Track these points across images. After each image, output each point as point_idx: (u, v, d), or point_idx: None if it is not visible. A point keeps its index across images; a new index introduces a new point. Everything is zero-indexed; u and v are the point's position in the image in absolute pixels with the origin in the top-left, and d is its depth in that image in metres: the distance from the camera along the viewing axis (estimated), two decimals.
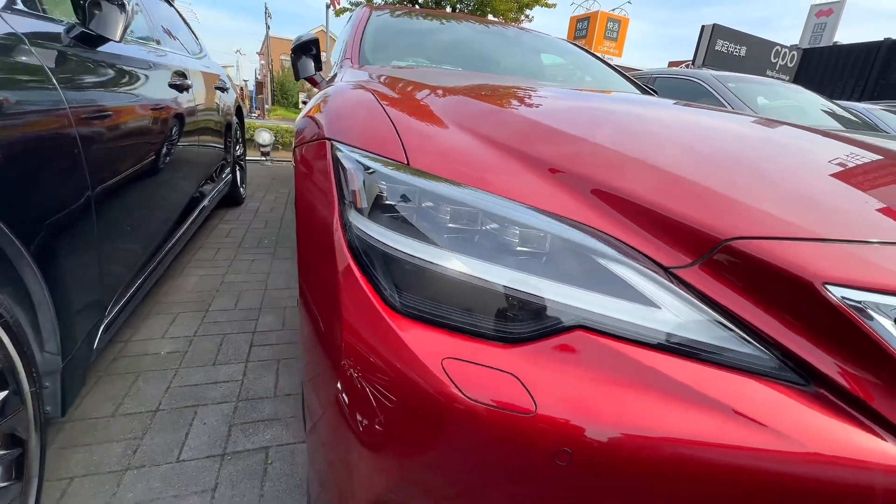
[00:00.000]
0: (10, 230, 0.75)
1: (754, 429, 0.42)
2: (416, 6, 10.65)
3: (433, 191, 0.58)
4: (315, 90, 1.96)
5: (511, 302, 0.50)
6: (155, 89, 1.62)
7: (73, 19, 1.12)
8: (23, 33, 0.90)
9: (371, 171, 0.63)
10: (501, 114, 0.86)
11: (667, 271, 0.51)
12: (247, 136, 4.38)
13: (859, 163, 0.84)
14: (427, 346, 0.49)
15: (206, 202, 2.37)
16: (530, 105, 1.06)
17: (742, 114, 1.46)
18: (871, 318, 0.43)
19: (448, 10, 10.65)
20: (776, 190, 0.61)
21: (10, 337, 0.73)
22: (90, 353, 1.05)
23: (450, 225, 0.56)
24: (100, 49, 1.20)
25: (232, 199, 3.27)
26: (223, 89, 2.99)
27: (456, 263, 0.52)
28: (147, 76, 1.55)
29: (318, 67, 1.90)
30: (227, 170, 3.03)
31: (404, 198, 0.60)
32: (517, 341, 0.48)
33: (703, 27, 9.20)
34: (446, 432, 0.47)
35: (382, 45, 1.94)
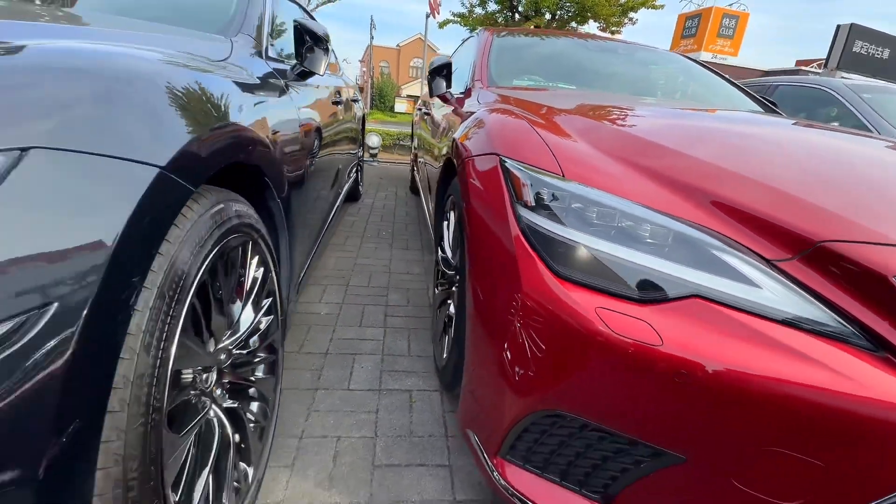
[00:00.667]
0: (281, 202, 1.13)
1: (826, 372, 0.60)
2: (516, 13, 10.87)
3: (584, 194, 0.82)
4: (439, 103, 2.29)
5: (643, 274, 0.72)
6: (331, 105, 2.06)
7: (294, 61, 1.54)
8: (274, 69, 1.32)
9: (536, 178, 0.88)
10: (629, 136, 1.07)
11: (769, 263, 0.69)
12: None
13: None
14: (582, 299, 0.73)
15: (342, 195, 2.84)
16: (650, 126, 1.24)
17: (841, 130, 1.50)
18: None
19: (547, 16, 10.70)
20: (860, 203, 0.75)
21: (277, 282, 1.11)
22: (293, 304, 1.46)
23: (595, 221, 0.80)
24: (308, 81, 1.63)
25: (353, 195, 3.78)
26: (355, 101, 3.50)
27: (600, 245, 0.76)
28: (328, 96, 1.99)
29: (449, 86, 2.22)
30: (355, 169, 3.53)
31: (557, 198, 0.85)
32: (648, 302, 0.70)
33: (838, 27, 8.19)
34: (596, 357, 0.70)
35: (504, 65, 2.21)
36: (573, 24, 10.93)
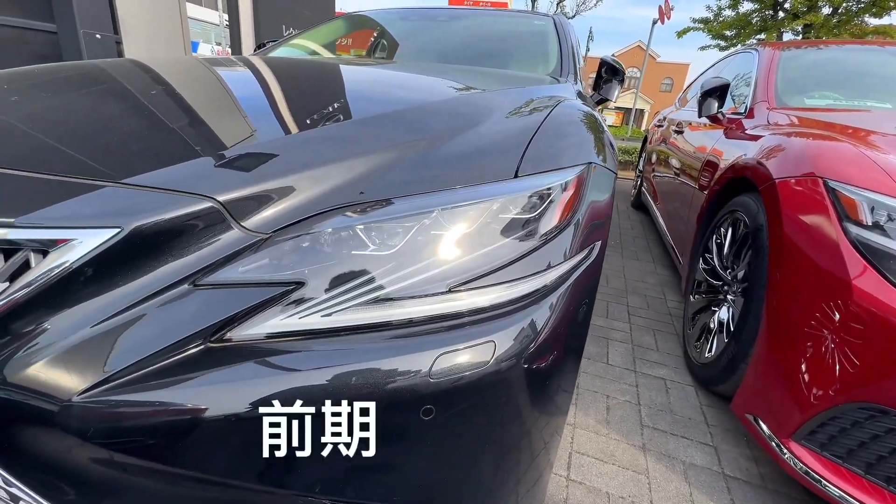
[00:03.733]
0: None
1: None
2: (780, 11, 9.25)
3: None
4: (697, 122, 2.33)
5: None
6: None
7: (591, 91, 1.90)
8: (592, 108, 1.68)
9: (871, 199, 0.98)
10: None
11: None
12: None
13: None
14: None
15: None
16: None
17: None
18: None
19: (825, 11, 8.77)
20: None
21: None
22: None
23: None
24: (601, 106, 1.97)
25: None
26: None
27: None
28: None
29: (721, 106, 2.26)
30: None
31: (893, 219, 0.93)
32: None
33: None
34: None
35: (792, 83, 2.13)
36: (865, 17, 8.67)
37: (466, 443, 0.55)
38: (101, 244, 0.47)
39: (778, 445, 1.05)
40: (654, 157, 3.80)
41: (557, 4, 16.38)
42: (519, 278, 0.59)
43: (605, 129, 1.11)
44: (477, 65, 1.80)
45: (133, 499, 0.47)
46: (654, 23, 19.07)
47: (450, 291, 0.55)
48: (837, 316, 0.94)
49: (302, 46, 2.25)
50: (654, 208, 3.45)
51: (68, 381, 0.43)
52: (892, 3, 8.45)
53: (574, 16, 16.58)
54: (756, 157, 1.46)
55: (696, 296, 1.81)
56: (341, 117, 0.83)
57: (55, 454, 0.45)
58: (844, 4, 8.64)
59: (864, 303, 0.90)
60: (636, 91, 22.69)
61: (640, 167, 4.69)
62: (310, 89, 1.15)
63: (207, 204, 0.51)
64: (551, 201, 0.67)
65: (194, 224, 0.51)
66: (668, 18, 18.79)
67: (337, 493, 0.51)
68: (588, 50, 26.33)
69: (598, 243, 0.75)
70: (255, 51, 2.43)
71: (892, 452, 0.88)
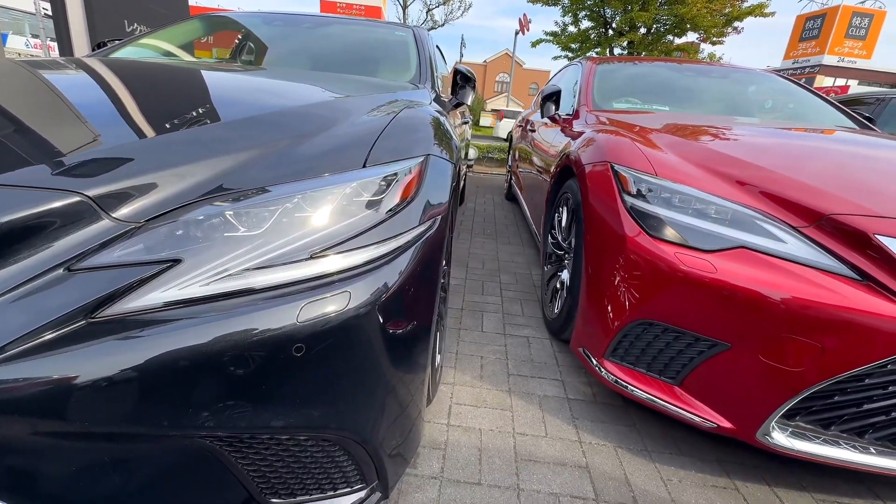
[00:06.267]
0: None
1: (826, 291, 0.99)
2: (610, 30, 11.03)
3: (669, 187, 1.28)
4: (545, 123, 2.78)
5: (707, 234, 1.16)
6: (461, 125, 2.68)
7: (450, 96, 2.16)
8: (441, 111, 1.92)
9: (637, 177, 1.36)
10: (701, 147, 1.49)
11: (794, 228, 1.10)
12: None
13: None
14: (665, 247, 1.19)
15: (458, 195, 3.46)
16: (723, 139, 1.64)
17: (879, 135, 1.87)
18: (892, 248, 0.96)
19: (642, 31, 10.72)
20: (862, 189, 1.13)
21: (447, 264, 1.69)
22: None
23: (676, 203, 1.25)
24: (457, 109, 2.24)
25: (460, 198, 4.41)
26: (466, 122, 4.14)
27: (680, 218, 1.21)
28: (461, 118, 2.61)
29: (557, 109, 2.72)
30: (463, 176, 4.16)
31: (652, 190, 1.31)
32: (710, 251, 1.14)
33: None
34: (673, 283, 1.15)
35: (605, 91, 2.66)
36: (670, 37, 10.80)
37: (338, 373, 0.70)
38: None
39: (597, 365, 1.38)
40: (517, 154, 4.32)
41: (427, 13, 17.15)
42: (370, 244, 0.75)
43: (449, 128, 1.34)
44: (342, 71, 1.92)
45: (33, 458, 0.52)
46: (517, 33, 21.01)
47: (311, 258, 0.69)
48: (621, 262, 1.29)
49: (154, 47, 2.13)
50: (521, 198, 3.93)
51: None
52: (688, 27, 10.67)
53: (444, 24, 17.58)
54: (576, 150, 1.85)
55: (548, 266, 2.19)
56: (208, 121, 0.91)
57: None
58: (655, 26, 10.72)
59: (635, 250, 1.25)
60: (507, 94, 24.47)
61: (510, 163, 5.25)
62: (176, 93, 1.18)
63: (77, 198, 0.58)
64: (396, 184, 0.84)
65: (66, 216, 0.57)
66: (528, 30, 20.83)
67: (230, 427, 0.61)
68: (462, 56, 27.88)
69: (439, 217, 0.95)
70: (95, 49, 2.21)
71: (659, 352, 1.25)
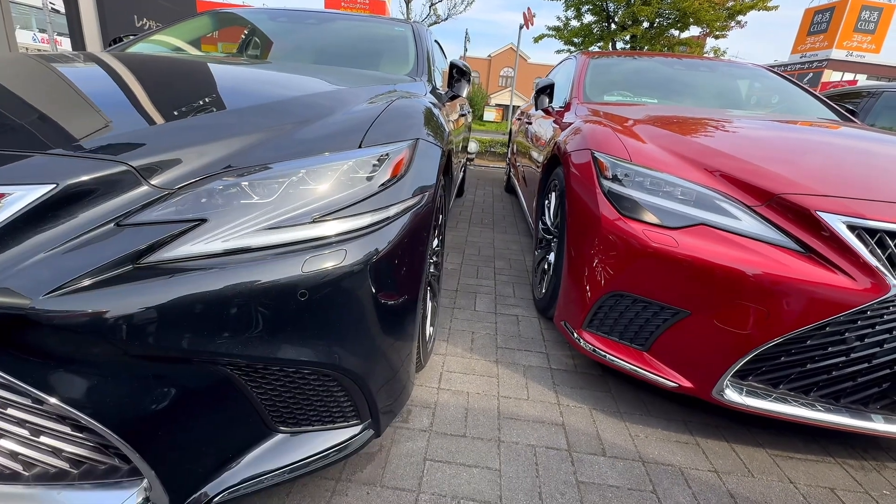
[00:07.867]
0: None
1: (772, 262, 1.11)
2: (612, 23, 11.05)
3: (642, 171, 1.40)
4: (540, 115, 2.89)
5: (672, 213, 1.28)
6: (460, 117, 2.79)
7: (445, 88, 2.28)
8: (434, 102, 2.04)
9: (614, 162, 1.47)
10: (674, 136, 1.60)
11: (749, 207, 1.21)
12: None
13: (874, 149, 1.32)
14: (636, 225, 1.31)
15: (456, 188, 3.58)
16: (693, 128, 1.75)
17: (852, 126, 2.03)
18: (834, 224, 1.08)
19: (645, 25, 10.73)
20: (811, 172, 1.25)
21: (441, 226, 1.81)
22: None
23: (648, 186, 1.37)
24: (455, 101, 2.36)
25: (459, 190, 4.53)
26: (464, 114, 4.25)
27: (649, 199, 1.33)
28: (459, 110, 2.72)
29: (551, 101, 2.83)
30: (463, 169, 4.28)
31: (628, 174, 1.43)
32: (674, 228, 1.26)
33: None
34: (643, 257, 1.28)
35: (597, 84, 2.76)
36: (673, 31, 10.80)
37: (335, 318, 0.83)
38: (42, 195, 0.65)
39: (576, 336, 1.51)
40: (515, 147, 4.42)
41: (430, 7, 17.15)
42: (364, 212, 0.88)
43: (441, 118, 1.46)
44: (343, 65, 2.05)
45: (86, 372, 0.66)
46: (521, 27, 20.96)
47: (314, 222, 0.82)
48: (597, 241, 1.41)
49: (167, 43, 2.26)
50: (519, 189, 4.04)
51: (31, 289, 0.61)
52: (691, 21, 10.67)
53: (447, 18, 17.59)
54: (563, 139, 1.96)
55: (538, 250, 2.31)
56: (223, 108, 1.05)
57: (26, 345, 0.62)
58: (658, 20, 10.73)
59: (610, 228, 1.38)
60: (512, 89, 24.49)
61: (509, 156, 5.36)
62: (195, 85, 1.32)
63: (124, 167, 0.71)
64: (387, 162, 0.97)
65: (116, 181, 0.70)
66: (532, 24, 20.76)
67: (246, 355, 0.75)
68: (466, 50, 27.82)
69: (427, 193, 1.07)
70: (110, 44, 2.35)
71: (630, 321, 1.37)
